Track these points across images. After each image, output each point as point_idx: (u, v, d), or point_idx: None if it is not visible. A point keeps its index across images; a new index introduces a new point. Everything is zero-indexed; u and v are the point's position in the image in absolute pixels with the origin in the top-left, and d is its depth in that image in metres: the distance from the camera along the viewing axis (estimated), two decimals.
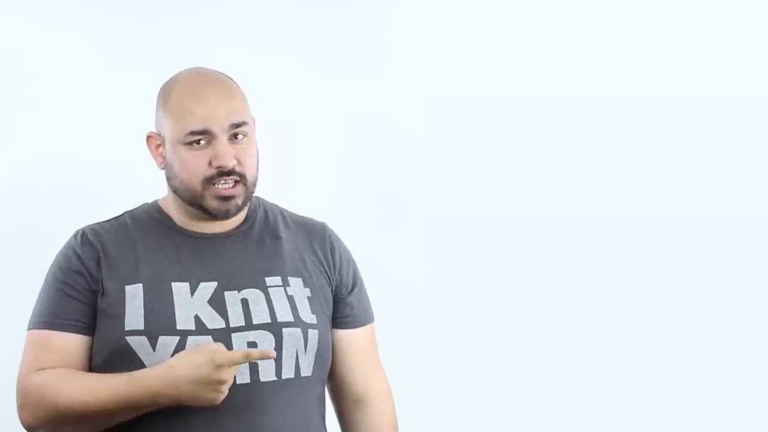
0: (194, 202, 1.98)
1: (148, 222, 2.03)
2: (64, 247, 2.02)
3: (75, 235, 2.02)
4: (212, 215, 1.98)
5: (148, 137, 2.04)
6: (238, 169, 1.96)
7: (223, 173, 1.95)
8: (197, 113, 1.95)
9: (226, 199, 1.96)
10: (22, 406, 1.93)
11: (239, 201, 1.98)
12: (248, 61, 2.32)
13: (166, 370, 1.84)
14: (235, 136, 1.97)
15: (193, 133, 1.95)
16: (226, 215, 1.99)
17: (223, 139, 1.95)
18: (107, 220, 2.05)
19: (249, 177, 1.98)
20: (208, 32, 2.69)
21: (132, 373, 1.87)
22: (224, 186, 1.96)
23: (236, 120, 1.97)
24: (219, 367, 1.81)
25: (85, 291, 1.96)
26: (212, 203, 1.96)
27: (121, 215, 2.06)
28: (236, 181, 1.96)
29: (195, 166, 1.95)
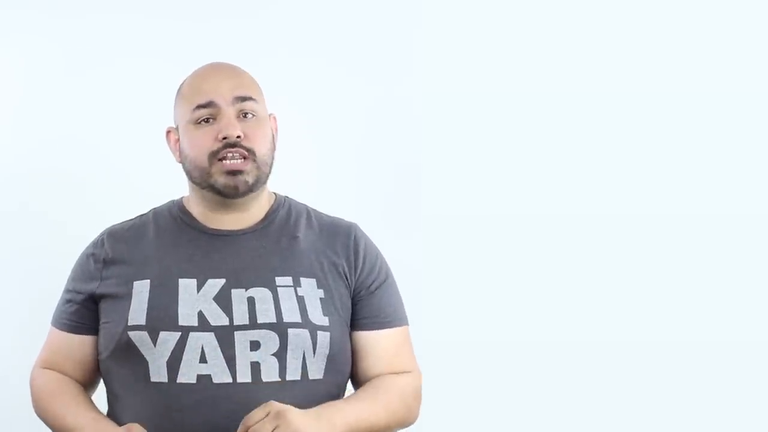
0: (205, 183, 1.95)
1: (167, 219, 2.04)
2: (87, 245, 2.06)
3: (98, 235, 2.05)
4: (222, 194, 1.95)
5: (167, 133, 2.05)
6: (245, 143, 1.93)
7: (229, 145, 1.92)
8: (203, 88, 1.96)
9: (233, 173, 1.92)
10: (31, 395, 2.02)
11: (249, 178, 1.93)
12: (264, 61, 2.29)
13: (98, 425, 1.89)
14: (244, 115, 1.95)
15: (199, 107, 1.94)
16: (235, 192, 1.94)
17: (228, 112, 1.93)
18: (132, 219, 2.08)
19: (259, 153, 1.94)
20: (225, 33, 2.68)
21: (96, 415, 1.93)
22: (232, 161, 1.92)
23: (241, 93, 1.95)
24: None
25: (87, 293, 1.99)
26: (220, 179, 1.93)
27: (147, 212, 2.08)
28: (245, 157, 1.93)
29: (202, 142, 1.94)
